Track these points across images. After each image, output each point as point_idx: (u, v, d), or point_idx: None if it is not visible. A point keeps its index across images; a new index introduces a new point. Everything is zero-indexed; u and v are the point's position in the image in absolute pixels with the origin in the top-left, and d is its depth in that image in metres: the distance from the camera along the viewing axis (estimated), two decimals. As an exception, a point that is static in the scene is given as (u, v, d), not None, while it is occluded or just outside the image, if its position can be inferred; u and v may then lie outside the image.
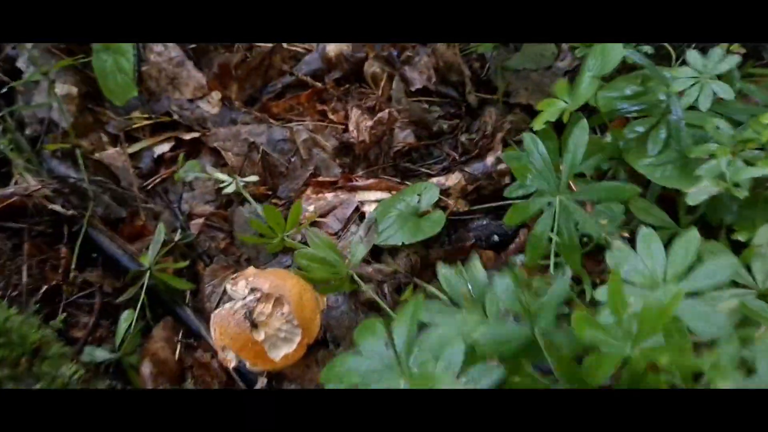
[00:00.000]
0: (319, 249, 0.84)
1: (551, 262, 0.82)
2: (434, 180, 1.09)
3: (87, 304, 0.97)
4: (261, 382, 0.93)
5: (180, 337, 0.95)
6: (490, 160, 1.07)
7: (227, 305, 0.84)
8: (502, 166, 1.06)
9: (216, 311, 0.84)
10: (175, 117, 1.22)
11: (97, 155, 1.15)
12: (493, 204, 1.06)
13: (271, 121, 1.21)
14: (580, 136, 0.81)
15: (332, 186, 1.11)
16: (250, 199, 0.99)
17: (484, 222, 1.06)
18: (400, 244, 0.98)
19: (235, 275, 0.88)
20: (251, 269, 0.88)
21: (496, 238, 1.05)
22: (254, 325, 0.83)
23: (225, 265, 1.02)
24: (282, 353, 0.83)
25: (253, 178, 1.01)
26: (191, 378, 0.93)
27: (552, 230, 0.80)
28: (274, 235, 0.88)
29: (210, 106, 1.26)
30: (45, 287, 0.95)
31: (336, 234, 1.06)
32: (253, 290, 0.83)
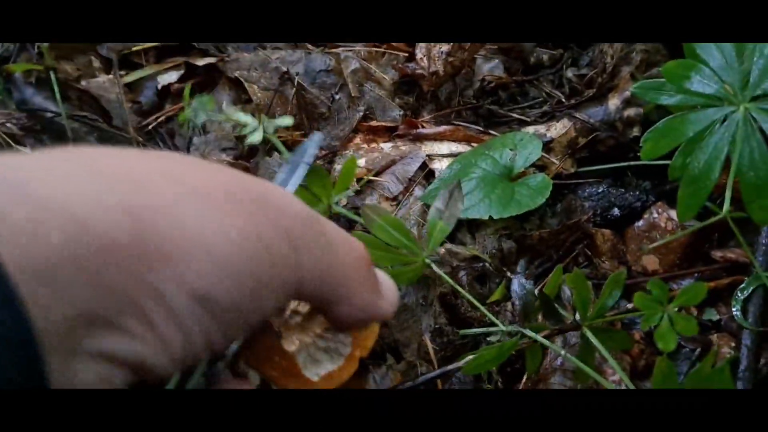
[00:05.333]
0: (382, 231, 0.56)
1: (726, 200, 0.50)
2: (531, 129, 0.79)
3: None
4: (253, 381, 0.65)
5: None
6: (613, 102, 0.77)
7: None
8: (630, 112, 0.76)
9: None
10: (187, 38, 0.94)
11: (83, 83, 0.88)
12: (614, 165, 0.76)
13: (310, 45, 0.92)
14: None
15: (390, 133, 0.82)
16: (281, 147, 0.69)
17: (600, 189, 0.76)
18: (486, 218, 0.70)
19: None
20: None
21: (616, 211, 0.75)
22: (280, 332, 0.56)
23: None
24: (323, 371, 0.55)
25: (286, 120, 0.71)
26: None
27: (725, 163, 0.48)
28: (317, 201, 0.60)
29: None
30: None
31: (395, 198, 0.78)
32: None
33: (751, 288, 0.55)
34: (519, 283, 0.55)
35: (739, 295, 0.55)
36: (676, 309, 0.51)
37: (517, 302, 0.56)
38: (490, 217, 0.70)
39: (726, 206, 0.47)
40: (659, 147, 0.54)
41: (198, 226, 0.25)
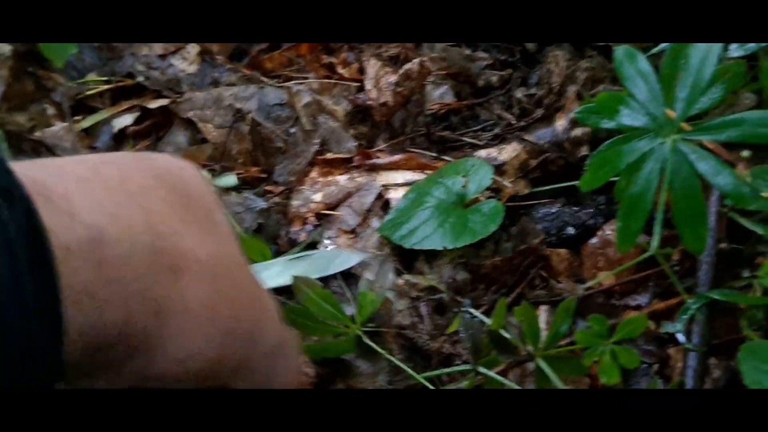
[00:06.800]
0: (313, 304, 0.57)
1: (655, 238, 0.52)
2: (483, 153, 0.80)
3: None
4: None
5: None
6: (560, 123, 0.78)
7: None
8: (577, 131, 0.77)
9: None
10: (140, 79, 0.94)
11: (38, 134, 0.88)
12: (566, 183, 0.77)
13: (264, 80, 0.93)
14: (707, 48, 0.50)
15: (345, 165, 0.83)
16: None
17: (554, 209, 0.77)
18: (439, 248, 0.71)
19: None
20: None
21: (571, 230, 0.76)
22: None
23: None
24: None
25: (230, 180, 0.72)
26: None
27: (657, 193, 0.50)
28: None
29: (186, 62, 0.98)
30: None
31: (353, 231, 0.79)
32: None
33: (695, 307, 0.56)
34: (465, 322, 0.56)
35: (682, 316, 0.56)
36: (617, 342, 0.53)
37: (466, 341, 0.57)
38: (445, 248, 0.71)
39: (654, 243, 0.48)
40: (597, 178, 0.55)
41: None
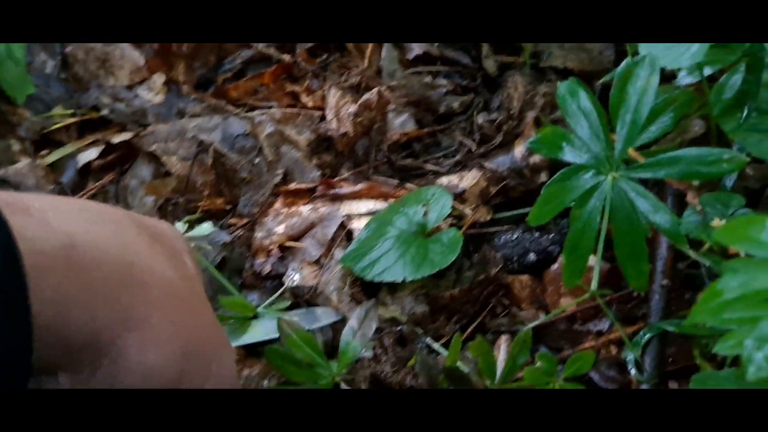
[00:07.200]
0: (295, 346, 0.57)
1: (594, 278, 0.54)
2: (444, 180, 0.80)
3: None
4: None
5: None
6: (519, 150, 0.78)
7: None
8: (535, 158, 0.77)
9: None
10: (104, 112, 0.94)
11: (1, 171, 0.88)
12: (526, 210, 0.77)
13: (229, 108, 0.93)
14: (647, 79, 0.51)
15: (309, 195, 0.83)
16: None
17: (515, 236, 0.77)
18: (399, 280, 0.71)
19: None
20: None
21: (532, 257, 0.77)
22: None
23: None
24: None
25: (205, 228, 0.73)
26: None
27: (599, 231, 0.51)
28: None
29: (152, 93, 0.98)
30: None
31: (317, 262, 0.79)
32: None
33: (646, 338, 0.56)
34: (421, 357, 0.56)
35: (634, 348, 0.56)
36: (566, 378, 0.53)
37: (421, 376, 0.58)
38: (405, 279, 0.71)
39: (594, 284, 0.48)
40: (543, 213, 0.56)
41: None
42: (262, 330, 0.65)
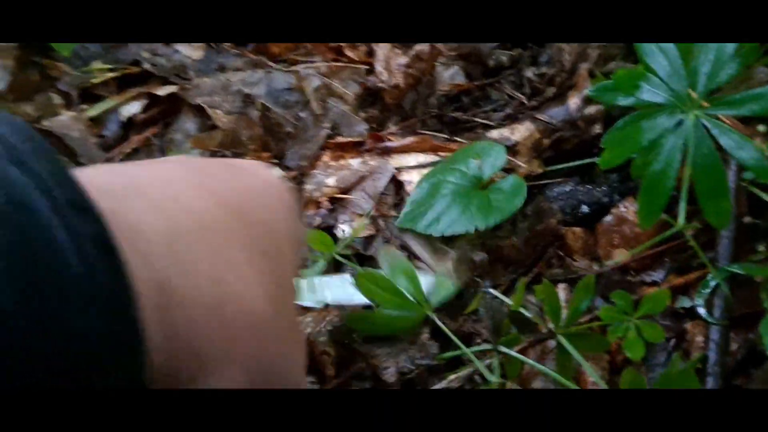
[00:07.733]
0: (394, 275, 0.58)
1: (680, 213, 0.52)
2: (495, 134, 0.80)
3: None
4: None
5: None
6: (572, 101, 0.78)
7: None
8: (590, 109, 0.77)
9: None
10: (146, 66, 0.93)
11: (45, 123, 0.87)
12: (579, 162, 0.77)
13: (271, 64, 0.92)
14: None
15: (357, 148, 0.83)
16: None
17: (568, 188, 0.77)
18: (471, 230, 0.70)
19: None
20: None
21: (585, 208, 0.76)
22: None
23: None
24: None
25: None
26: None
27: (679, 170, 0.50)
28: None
29: (191, 48, 0.97)
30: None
31: (367, 215, 0.79)
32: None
33: (716, 282, 0.56)
34: (485, 302, 0.56)
35: (703, 290, 0.56)
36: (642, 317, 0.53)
37: (486, 321, 0.58)
38: (477, 228, 0.70)
39: (680, 219, 0.48)
40: (616, 156, 0.55)
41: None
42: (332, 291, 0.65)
